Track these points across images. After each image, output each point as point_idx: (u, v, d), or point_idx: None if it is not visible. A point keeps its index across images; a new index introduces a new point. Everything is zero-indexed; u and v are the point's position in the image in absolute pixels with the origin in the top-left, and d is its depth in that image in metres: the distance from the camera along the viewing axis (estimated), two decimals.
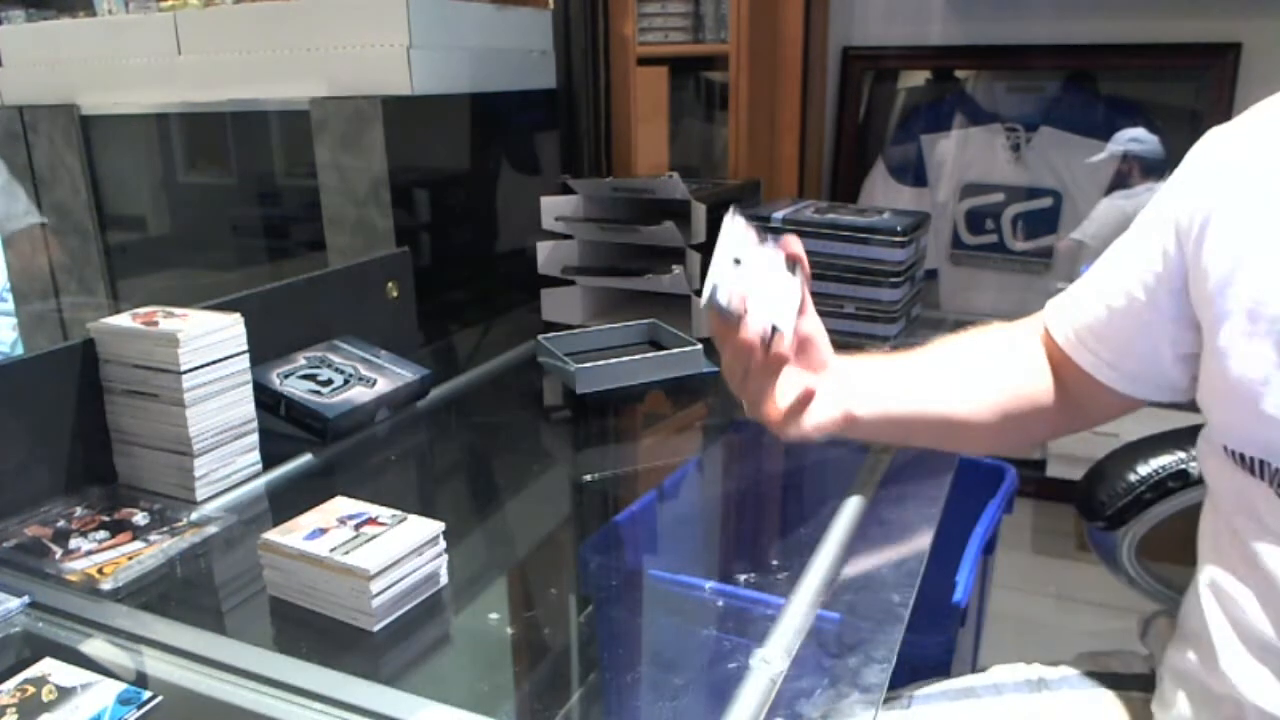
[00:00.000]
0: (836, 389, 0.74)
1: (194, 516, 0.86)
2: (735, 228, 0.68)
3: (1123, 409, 0.78)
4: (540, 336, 1.27)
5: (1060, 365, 0.79)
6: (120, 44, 1.69)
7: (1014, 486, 1.38)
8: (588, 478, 1.02)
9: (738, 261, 0.67)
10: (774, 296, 0.68)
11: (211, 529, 0.84)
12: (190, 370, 0.87)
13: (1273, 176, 0.63)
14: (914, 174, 1.80)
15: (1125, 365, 0.74)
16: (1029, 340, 0.82)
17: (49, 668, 0.63)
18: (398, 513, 0.75)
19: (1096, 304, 0.75)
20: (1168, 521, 0.93)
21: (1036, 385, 0.80)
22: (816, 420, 0.72)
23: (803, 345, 0.72)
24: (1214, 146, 0.69)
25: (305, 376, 1.06)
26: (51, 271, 1.88)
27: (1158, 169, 1.61)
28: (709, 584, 0.77)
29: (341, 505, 0.76)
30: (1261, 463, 0.63)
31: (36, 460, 0.87)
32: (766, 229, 1.42)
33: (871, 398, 0.77)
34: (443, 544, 0.74)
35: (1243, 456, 0.65)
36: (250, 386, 0.93)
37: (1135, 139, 1.63)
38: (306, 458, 1.00)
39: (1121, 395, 0.76)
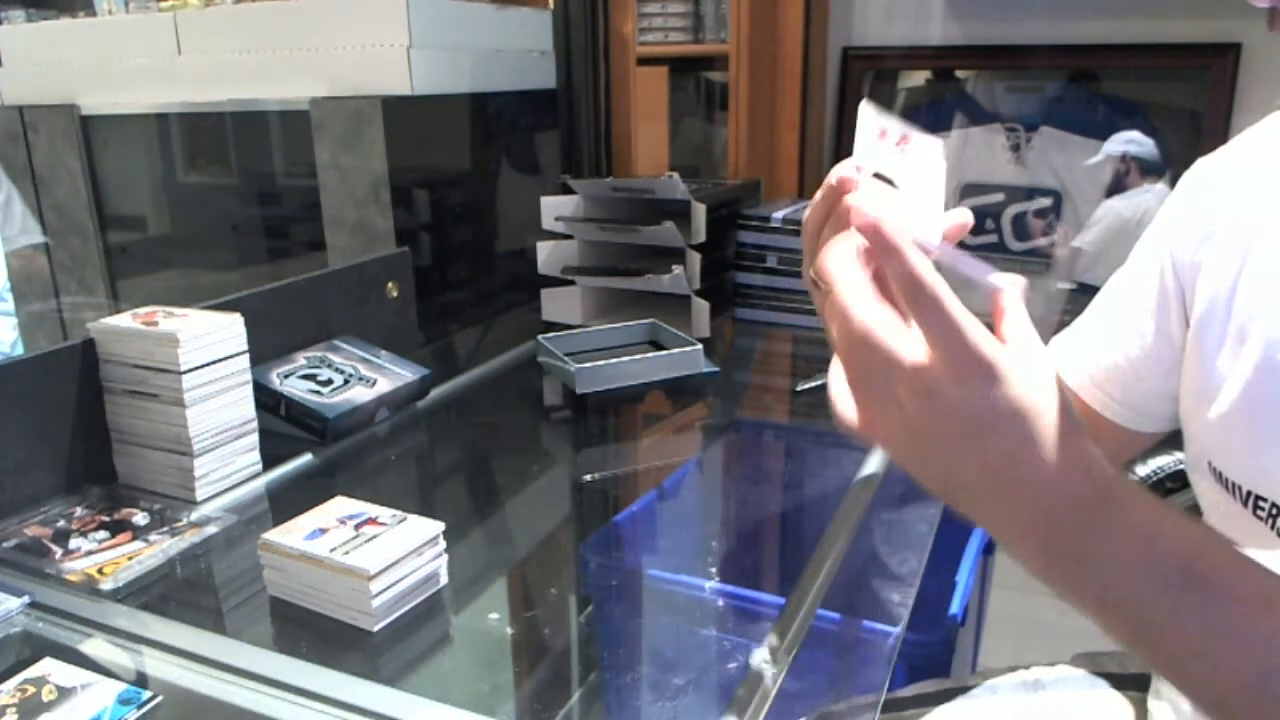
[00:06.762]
0: None
1: (194, 516, 0.86)
2: (868, 118, 0.53)
3: (1135, 447, 0.78)
4: (540, 336, 1.27)
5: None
6: (120, 44, 1.69)
7: None
8: (588, 478, 1.02)
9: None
10: (920, 201, 0.53)
11: (211, 529, 0.84)
12: (190, 370, 0.87)
13: (1261, 203, 0.63)
14: None
15: (1139, 404, 0.74)
16: None
17: (49, 668, 0.63)
18: (398, 513, 0.75)
19: (1110, 348, 0.75)
20: None
21: None
22: None
23: None
24: (1202, 177, 0.69)
25: (305, 376, 1.06)
26: (52, 272, 1.88)
27: (1155, 170, 1.61)
28: (709, 584, 0.77)
29: (341, 505, 0.76)
30: (1235, 485, 0.62)
31: (36, 460, 0.87)
32: (766, 228, 1.42)
33: None
34: (443, 544, 0.74)
35: (1223, 477, 0.64)
36: (250, 386, 0.93)
37: (1132, 140, 1.63)
38: (306, 458, 1.00)
39: (1134, 433, 0.75)
